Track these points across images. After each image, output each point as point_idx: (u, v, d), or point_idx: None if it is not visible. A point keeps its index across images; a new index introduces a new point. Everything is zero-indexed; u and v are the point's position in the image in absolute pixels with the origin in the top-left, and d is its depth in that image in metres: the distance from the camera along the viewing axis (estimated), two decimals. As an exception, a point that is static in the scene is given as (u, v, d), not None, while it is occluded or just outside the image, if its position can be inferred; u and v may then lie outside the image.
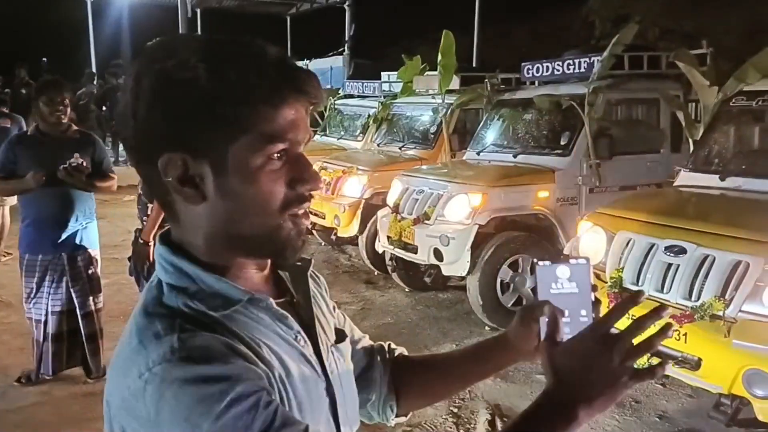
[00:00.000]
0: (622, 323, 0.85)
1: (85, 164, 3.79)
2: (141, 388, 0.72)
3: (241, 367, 0.74)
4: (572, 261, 0.91)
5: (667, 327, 0.82)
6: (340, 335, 1.00)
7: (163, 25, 16.52)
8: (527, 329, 1.00)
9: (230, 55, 0.79)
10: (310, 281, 0.97)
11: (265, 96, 0.78)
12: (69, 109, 3.90)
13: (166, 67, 0.77)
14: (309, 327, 0.92)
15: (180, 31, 14.83)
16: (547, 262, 0.91)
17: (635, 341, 0.81)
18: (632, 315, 0.83)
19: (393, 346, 1.17)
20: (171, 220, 0.86)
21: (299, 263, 0.96)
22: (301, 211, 0.84)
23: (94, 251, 4.07)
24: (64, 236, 3.85)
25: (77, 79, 13.54)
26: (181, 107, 0.77)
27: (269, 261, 0.91)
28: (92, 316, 4.01)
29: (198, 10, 19.65)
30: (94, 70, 15.33)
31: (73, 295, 3.91)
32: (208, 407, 0.69)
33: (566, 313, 0.89)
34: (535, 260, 0.94)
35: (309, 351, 0.89)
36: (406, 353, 1.17)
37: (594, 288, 0.91)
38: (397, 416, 1.12)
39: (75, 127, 4.02)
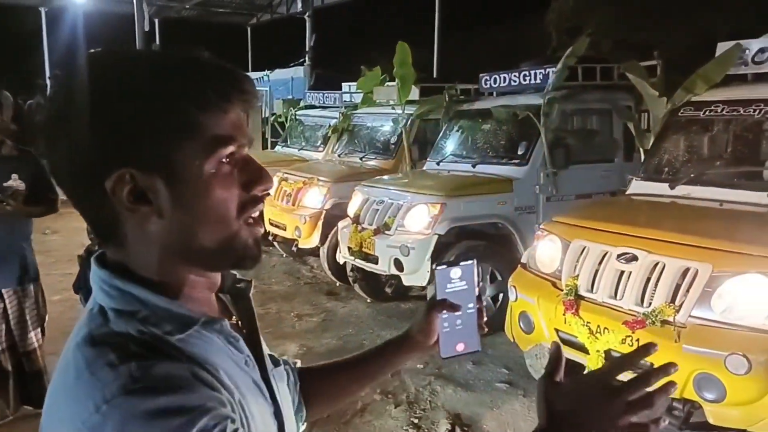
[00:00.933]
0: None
1: (22, 188, 3.40)
2: (99, 423, 0.66)
3: (205, 396, 0.70)
4: (462, 263, 1.06)
5: (669, 385, 0.80)
6: (274, 359, 0.99)
7: (119, 35, 16.27)
8: (428, 326, 1.09)
9: (169, 63, 0.78)
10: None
11: (209, 100, 0.76)
12: (6, 125, 3.55)
13: (103, 81, 0.74)
14: (255, 351, 0.90)
15: (137, 42, 14.68)
16: (443, 266, 1.06)
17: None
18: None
19: (292, 360, 1.17)
20: (112, 244, 0.80)
21: (239, 284, 0.94)
22: (255, 215, 0.83)
23: (27, 287, 3.63)
24: None
25: (31, 90, 13.24)
26: (124, 121, 0.73)
27: (218, 281, 0.89)
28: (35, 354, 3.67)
29: (156, 21, 19.40)
30: (47, 81, 14.97)
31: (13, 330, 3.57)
32: None
33: (460, 307, 1.06)
34: (434, 266, 1.09)
35: (257, 375, 0.87)
36: (303, 365, 1.19)
37: (478, 284, 1.08)
38: (304, 422, 1.13)
39: (10, 143, 3.56)
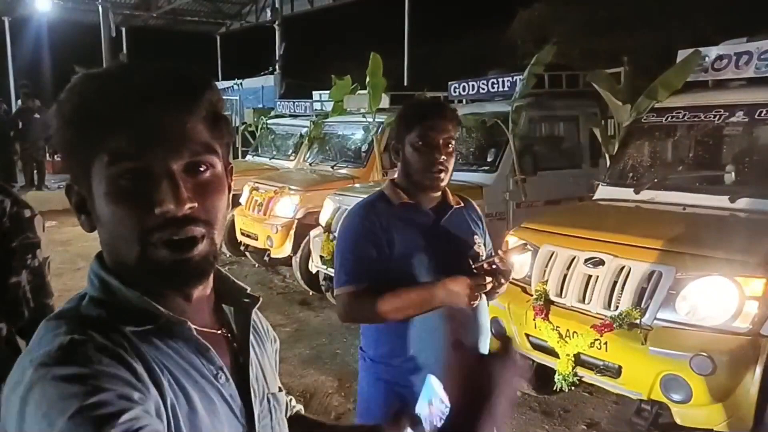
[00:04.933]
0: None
1: None
2: (23, 380, 0.70)
3: (121, 379, 0.70)
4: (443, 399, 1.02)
5: None
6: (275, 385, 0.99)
7: (85, 44, 16.04)
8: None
9: (79, 83, 0.79)
10: (256, 322, 0.95)
11: (104, 115, 0.75)
12: None
13: (57, 102, 0.80)
14: (243, 367, 0.89)
15: (103, 51, 14.47)
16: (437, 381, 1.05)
17: None
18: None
19: (294, 402, 1.16)
20: None
21: (246, 299, 0.94)
22: (173, 237, 0.77)
23: None
24: None
25: None
26: (55, 138, 0.80)
27: (208, 290, 0.88)
28: None
29: (123, 29, 19.17)
30: (12, 90, 14.70)
31: None
32: (68, 405, 0.66)
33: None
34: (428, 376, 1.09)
35: (231, 391, 0.85)
36: (302, 411, 1.18)
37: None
38: None
39: None
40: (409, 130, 1.96)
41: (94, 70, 0.81)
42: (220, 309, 0.93)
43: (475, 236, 2.04)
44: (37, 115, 12.15)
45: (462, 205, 2.09)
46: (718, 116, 4.17)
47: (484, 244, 2.08)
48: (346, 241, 1.97)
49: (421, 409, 1.02)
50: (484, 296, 1.93)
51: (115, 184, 0.76)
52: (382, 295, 1.85)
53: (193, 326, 0.82)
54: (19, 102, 12.77)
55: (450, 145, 1.95)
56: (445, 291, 1.81)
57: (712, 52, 4.39)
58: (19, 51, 18.19)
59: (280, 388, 1.02)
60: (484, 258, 1.93)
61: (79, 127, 0.77)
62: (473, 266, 1.84)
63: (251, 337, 0.93)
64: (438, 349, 1.93)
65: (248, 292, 0.95)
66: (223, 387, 0.84)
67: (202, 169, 0.79)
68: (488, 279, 1.81)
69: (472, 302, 1.80)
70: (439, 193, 2.03)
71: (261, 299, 0.96)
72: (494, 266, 1.83)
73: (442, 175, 1.94)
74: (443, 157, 1.93)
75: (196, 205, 0.78)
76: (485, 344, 2.11)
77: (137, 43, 19.96)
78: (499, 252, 1.87)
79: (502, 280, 1.85)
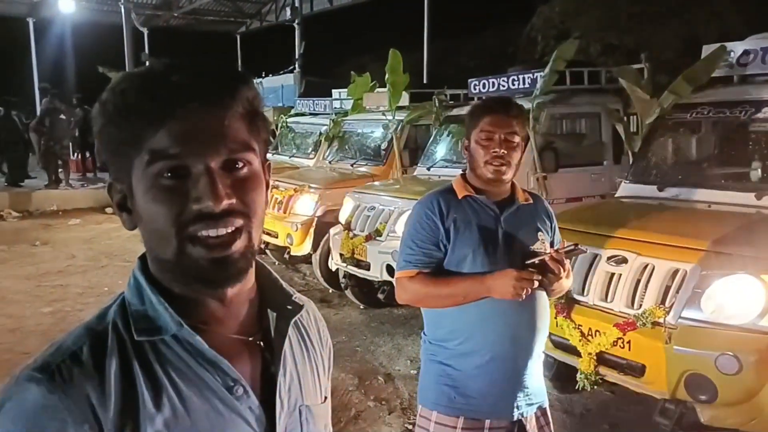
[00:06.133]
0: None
1: None
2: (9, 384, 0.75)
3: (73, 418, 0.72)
4: None
5: None
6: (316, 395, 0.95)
7: (108, 45, 16.24)
8: None
9: (121, 82, 0.79)
10: (294, 329, 0.92)
11: (145, 114, 0.76)
12: None
13: (96, 103, 0.82)
14: (274, 377, 0.87)
15: (125, 51, 14.63)
16: None
17: None
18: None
19: None
20: None
21: (289, 306, 0.92)
22: (209, 232, 0.77)
23: None
24: None
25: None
26: (97, 136, 0.81)
27: (249, 292, 0.87)
28: None
29: (145, 30, 19.38)
30: (36, 91, 14.95)
31: None
32: None
33: None
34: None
35: (249, 404, 0.83)
36: None
37: None
38: None
39: None
40: (473, 126, 2.10)
41: (136, 69, 0.84)
42: (264, 313, 0.91)
43: (539, 233, 2.09)
44: (62, 116, 12.36)
45: (531, 201, 2.17)
46: (744, 112, 4.10)
47: (552, 242, 2.14)
48: (408, 228, 2.13)
49: None
50: (545, 295, 2.06)
51: (155, 182, 0.77)
52: (434, 281, 2.02)
53: (226, 335, 0.83)
54: (44, 102, 12.99)
55: (512, 140, 2.04)
56: (492, 282, 1.94)
57: (738, 47, 4.32)
58: (43, 52, 18.46)
59: (325, 398, 0.98)
60: (541, 255, 1.99)
61: (121, 126, 0.77)
62: (526, 262, 1.96)
63: (289, 345, 0.91)
64: (487, 337, 1.98)
65: (293, 298, 0.93)
66: (240, 400, 0.82)
67: (239, 166, 0.80)
68: (536, 276, 1.92)
69: (517, 296, 1.91)
70: (507, 189, 2.13)
71: (304, 307, 0.93)
72: (543, 263, 1.93)
73: (503, 168, 2.04)
74: (503, 151, 2.02)
75: (234, 201, 0.78)
76: (542, 342, 2.13)
77: (159, 43, 20.16)
78: (551, 252, 1.96)
79: (548, 280, 1.95)
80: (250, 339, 0.87)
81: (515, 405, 2.05)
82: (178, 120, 0.76)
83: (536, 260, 1.95)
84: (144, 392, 0.76)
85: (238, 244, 0.79)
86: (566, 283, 2.07)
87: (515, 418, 2.05)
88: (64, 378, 0.74)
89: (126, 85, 0.78)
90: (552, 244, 2.10)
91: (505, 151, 2.02)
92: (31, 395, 0.72)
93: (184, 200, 0.77)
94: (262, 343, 0.88)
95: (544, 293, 2.07)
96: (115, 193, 0.83)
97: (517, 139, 2.05)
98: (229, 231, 0.78)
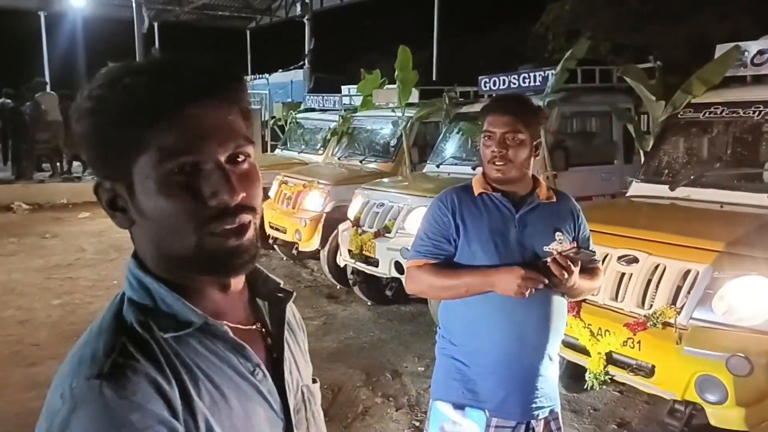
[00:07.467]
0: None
1: None
2: (57, 408, 0.71)
3: (150, 416, 0.71)
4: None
5: None
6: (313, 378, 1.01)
7: (119, 39, 16.28)
8: None
9: (122, 76, 0.77)
10: (288, 314, 0.95)
11: (154, 110, 0.75)
12: None
13: (80, 98, 0.79)
14: (277, 361, 0.90)
15: (136, 46, 14.67)
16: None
17: None
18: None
19: None
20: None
21: (280, 294, 0.95)
22: (227, 226, 0.79)
23: None
24: None
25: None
26: (89, 135, 0.78)
27: (242, 283, 0.89)
28: None
29: (155, 24, 19.43)
30: (48, 84, 15.01)
31: None
32: None
33: None
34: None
35: (268, 387, 0.87)
36: None
37: None
38: None
39: None
40: (481, 127, 2.15)
41: (124, 63, 0.81)
42: (254, 303, 0.93)
43: (557, 233, 2.06)
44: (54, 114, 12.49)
45: (554, 200, 2.13)
46: (757, 112, 4.07)
47: (575, 240, 2.09)
48: (423, 221, 2.18)
49: None
50: (559, 298, 2.05)
51: (168, 179, 0.77)
52: (439, 271, 2.04)
53: (230, 325, 0.84)
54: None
55: (513, 139, 2.03)
56: (497, 278, 1.94)
57: (751, 46, 4.28)
58: (54, 46, 18.54)
59: (314, 379, 1.02)
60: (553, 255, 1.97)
61: (124, 125, 0.75)
62: (538, 262, 1.95)
63: (288, 330, 0.95)
64: (493, 335, 1.99)
65: (282, 286, 0.96)
66: (261, 383, 0.85)
67: (240, 159, 0.81)
68: (542, 277, 1.91)
69: (520, 294, 1.89)
70: (528, 186, 2.11)
71: (295, 294, 0.96)
72: (552, 264, 1.91)
73: (504, 167, 2.04)
74: (503, 150, 2.03)
75: (245, 194, 0.80)
76: (554, 345, 2.11)
77: (168, 39, 20.22)
78: (555, 254, 1.92)
79: (552, 283, 1.92)
80: (254, 327, 0.90)
81: (523, 406, 2.03)
82: (188, 117, 0.76)
83: (546, 260, 1.92)
84: (188, 383, 0.77)
85: (249, 234, 0.82)
86: (586, 285, 2.04)
87: (522, 420, 2.04)
88: (125, 373, 0.72)
89: (129, 81, 0.76)
90: (577, 245, 2.05)
91: (505, 150, 2.02)
92: (100, 397, 0.70)
93: (200, 196, 0.78)
94: (264, 330, 0.92)
95: (557, 295, 2.04)
96: (104, 193, 0.81)
97: (520, 136, 2.02)
98: (243, 224, 0.81)
